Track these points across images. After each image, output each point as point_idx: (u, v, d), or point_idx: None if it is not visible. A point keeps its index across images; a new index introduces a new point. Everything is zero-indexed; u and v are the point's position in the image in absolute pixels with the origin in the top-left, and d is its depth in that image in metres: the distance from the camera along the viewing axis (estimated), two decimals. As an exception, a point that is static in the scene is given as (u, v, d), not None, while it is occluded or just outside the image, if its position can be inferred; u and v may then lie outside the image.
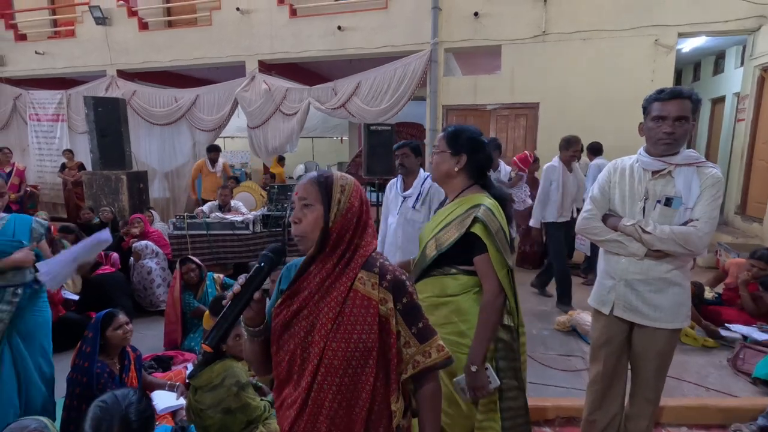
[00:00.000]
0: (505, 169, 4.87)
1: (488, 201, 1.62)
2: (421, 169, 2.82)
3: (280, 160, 8.84)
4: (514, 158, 4.66)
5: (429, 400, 1.11)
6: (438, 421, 1.13)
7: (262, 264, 1.03)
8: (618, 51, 6.05)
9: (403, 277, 1.10)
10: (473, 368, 1.53)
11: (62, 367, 2.49)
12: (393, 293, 1.07)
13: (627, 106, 6.06)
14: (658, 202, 1.78)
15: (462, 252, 1.60)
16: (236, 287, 0.99)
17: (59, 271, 2.29)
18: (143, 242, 4.49)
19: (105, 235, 2.32)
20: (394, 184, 2.90)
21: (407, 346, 1.08)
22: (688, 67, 9.31)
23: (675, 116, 1.71)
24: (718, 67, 8.01)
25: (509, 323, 1.65)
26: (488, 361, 1.60)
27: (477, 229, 1.56)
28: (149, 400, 1.43)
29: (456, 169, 1.67)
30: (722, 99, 7.82)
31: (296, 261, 1.19)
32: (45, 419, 1.66)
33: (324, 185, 1.07)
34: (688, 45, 7.26)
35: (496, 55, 6.65)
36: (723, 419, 2.51)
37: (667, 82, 6.00)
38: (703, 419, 2.54)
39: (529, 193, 4.73)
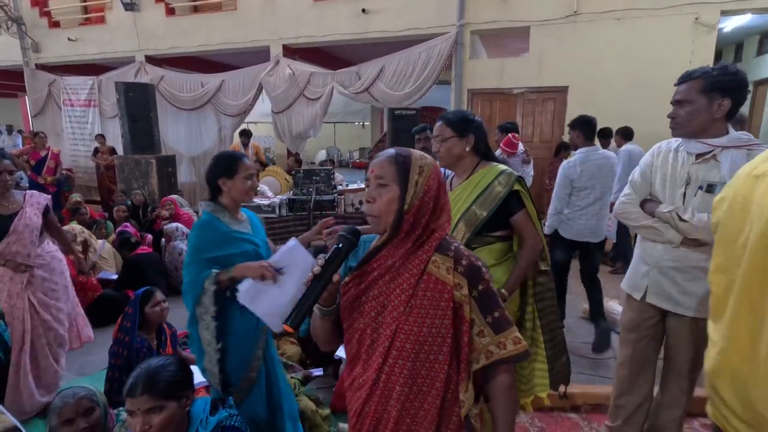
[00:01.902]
0: (520, 148, 4.84)
1: (501, 166, 1.79)
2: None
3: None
4: (501, 144, 4.61)
5: (503, 393, 1.05)
6: (512, 414, 1.07)
7: (341, 245, 1.01)
8: (654, 31, 5.78)
9: (479, 263, 1.05)
10: (505, 294, 1.71)
11: (104, 340, 2.62)
12: (468, 279, 1.01)
13: (662, 89, 5.80)
14: (700, 188, 1.70)
15: (496, 218, 1.73)
16: (316, 268, 0.98)
17: (262, 293, 1.57)
18: (174, 224, 4.63)
19: (292, 242, 1.66)
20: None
21: (481, 336, 1.03)
22: (729, 47, 8.84)
23: (674, 99, 1.73)
24: (763, 47, 7.59)
25: (545, 268, 1.85)
26: (529, 305, 1.83)
27: (519, 186, 1.72)
28: (187, 368, 1.48)
29: (467, 149, 1.80)
30: (765, 81, 7.41)
31: (365, 237, 1.17)
32: (93, 387, 1.76)
33: (402, 165, 1.02)
34: (730, 24, 6.89)
35: (524, 37, 6.46)
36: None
37: (707, 63, 5.70)
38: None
39: (532, 173, 4.69)
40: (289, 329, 0.95)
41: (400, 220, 1.01)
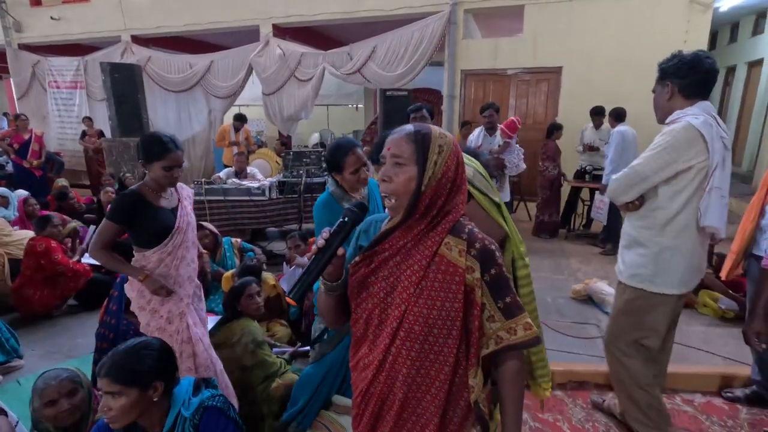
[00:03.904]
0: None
1: None
2: None
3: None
4: (501, 125, 4.50)
5: (512, 378, 1.03)
6: (520, 400, 1.06)
7: (346, 219, 0.98)
8: (649, 10, 5.70)
9: (493, 246, 1.01)
10: None
11: (93, 323, 2.60)
12: (481, 262, 0.98)
13: (656, 70, 5.77)
14: None
15: None
16: (320, 242, 0.95)
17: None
18: None
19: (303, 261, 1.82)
20: None
21: (491, 321, 1.00)
22: (725, 27, 8.77)
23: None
24: (758, 27, 7.52)
25: (526, 263, 1.71)
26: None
27: None
28: (165, 356, 1.44)
29: None
30: (760, 62, 7.37)
31: (376, 216, 1.14)
32: (76, 368, 1.75)
33: (421, 144, 0.96)
34: (726, 3, 6.81)
35: (519, 16, 6.36)
36: (737, 387, 2.50)
37: (702, 43, 5.66)
38: (717, 387, 2.53)
39: (523, 157, 4.59)
40: (292, 301, 0.94)
41: (416, 201, 0.97)
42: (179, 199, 2.00)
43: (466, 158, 1.71)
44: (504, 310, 1.00)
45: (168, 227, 1.91)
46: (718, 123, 1.71)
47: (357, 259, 1.04)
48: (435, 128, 1.01)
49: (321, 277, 1.02)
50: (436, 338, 0.99)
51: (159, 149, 1.82)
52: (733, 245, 2.29)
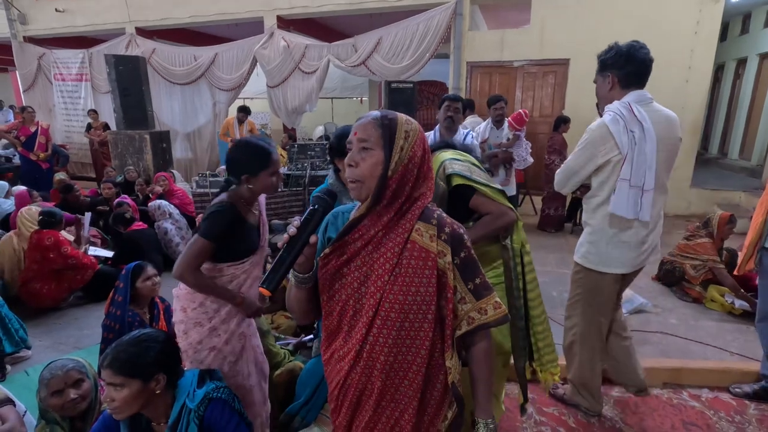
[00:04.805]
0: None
1: (445, 155, 1.74)
2: (460, 127, 2.78)
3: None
4: (508, 118, 4.43)
5: (483, 358, 1.07)
6: (491, 378, 1.09)
7: (316, 206, 0.97)
8: (659, 1, 5.59)
9: (461, 230, 1.04)
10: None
11: (99, 315, 2.62)
12: (452, 246, 1.00)
13: (666, 61, 5.68)
14: None
15: (456, 213, 1.56)
16: (291, 230, 0.94)
17: None
18: (156, 203, 4.56)
19: None
20: (429, 138, 2.84)
21: (462, 302, 1.03)
22: (736, 19, 8.59)
23: None
24: (771, 19, 7.36)
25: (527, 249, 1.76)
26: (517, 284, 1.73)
27: (457, 181, 1.65)
28: (169, 349, 1.43)
29: None
30: (772, 54, 7.23)
31: (343, 207, 1.13)
32: (82, 359, 1.76)
33: (387, 128, 0.97)
34: (738, -7, 6.66)
35: (525, 7, 6.26)
36: (745, 382, 2.47)
37: (713, 35, 5.56)
38: (725, 382, 2.51)
39: (530, 151, 4.53)
40: (266, 292, 0.92)
41: (383, 187, 0.96)
42: (260, 212, 1.82)
43: (460, 154, 1.71)
44: (474, 291, 1.03)
45: (253, 245, 1.75)
46: (634, 114, 1.81)
47: (327, 250, 1.03)
48: (401, 115, 1.01)
49: (292, 270, 1.00)
50: (411, 323, 1.00)
51: (264, 157, 1.66)
52: (746, 239, 2.27)
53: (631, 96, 1.86)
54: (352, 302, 1.03)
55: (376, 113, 1.00)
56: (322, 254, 1.03)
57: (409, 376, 1.02)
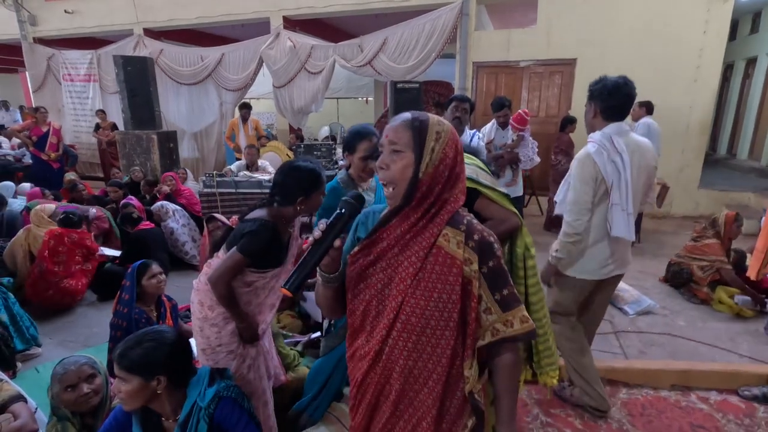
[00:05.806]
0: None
1: None
2: (467, 128, 2.78)
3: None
4: (511, 120, 4.41)
5: (507, 371, 1.03)
6: (515, 393, 1.06)
7: (343, 210, 0.97)
8: (667, 0, 5.55)
9: (492, 238, 1.01)
10: None
11: (108, 313, 2.64)
12: (479, 254, 0.98)
13: (674, 62, 5.64)
14: None
15: None
16: (317, 233, 0.95)
17: None
18: (159, 203, 4.58)
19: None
20: None
21: (488, 313, 1.00)
22: (746, 18, 8.51)
23: None
24: (781, 18, 7.28)
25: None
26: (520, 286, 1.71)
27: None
28: (173, 350, 1.43)
29: None
30: (782, 54, 7.16)
31: (374, 207, 1.14)
32: (93, 357, 1.78)
33: (418, 130, 0.96)
34: (748, -8, 6.60)
35: (532, 7, 6.24)
36: (754, 385, 2.45)
37: (722, 35, 5.52)
38: (734, 384, 2.49)
39: (537, 150, 4.50)
40: (286, 292, 0.93)
41: (414, 189, 0.96)
42: (294, 228, 1.85)
43: (467, 156, 1.71)
44: (501, 302, 1.00)
45: (280, 261, 1.78)
46: (614, 146, 1.95)
47: (356, 249, 1.03)
48: (433, 116, 1.00)
49: (318, 269, 1.01)
50: (433, 330, 0.98)
51: (316, 180, 1.71)
52: (758, 243, 2.25)
53: (612, 128, 1.99)
54: (375, 303, 1.02)
55: (407, 115, 0.99)
56: (351, 253, 1.04)
57: (429, 383, 1.01)
